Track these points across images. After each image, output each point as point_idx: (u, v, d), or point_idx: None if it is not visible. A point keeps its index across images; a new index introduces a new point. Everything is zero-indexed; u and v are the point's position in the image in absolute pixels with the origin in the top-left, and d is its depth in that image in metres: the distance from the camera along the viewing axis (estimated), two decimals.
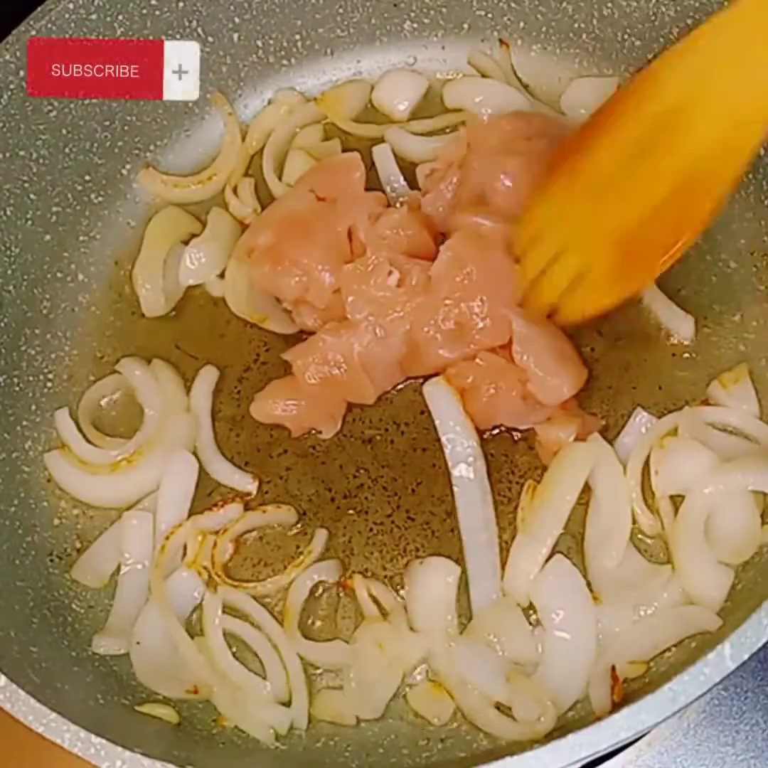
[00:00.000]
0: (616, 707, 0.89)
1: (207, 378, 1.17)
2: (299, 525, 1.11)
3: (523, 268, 1.06)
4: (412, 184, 1.23)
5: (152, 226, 1.25)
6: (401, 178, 1.23)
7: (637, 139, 0.96)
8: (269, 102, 1.31)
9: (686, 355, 1.13)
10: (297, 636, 1.04)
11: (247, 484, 1.12)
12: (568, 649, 1.00)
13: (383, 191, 1.21)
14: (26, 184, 1.19)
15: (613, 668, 0.97)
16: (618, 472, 1.04)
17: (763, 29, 0.88)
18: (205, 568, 1.08)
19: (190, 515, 1.11)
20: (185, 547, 1.09)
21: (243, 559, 1.10)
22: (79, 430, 1.16)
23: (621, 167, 0.97)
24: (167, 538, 1.08)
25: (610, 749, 0.83)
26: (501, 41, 1.28)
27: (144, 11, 1.20)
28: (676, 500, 1.04)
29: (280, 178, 1.26)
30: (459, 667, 0.99)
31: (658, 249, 0.98)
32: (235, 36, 1.27)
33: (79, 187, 1.24)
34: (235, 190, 1.27)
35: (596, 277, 1.01)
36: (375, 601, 1.05)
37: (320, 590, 1.07)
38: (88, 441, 1.15)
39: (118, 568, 1.10)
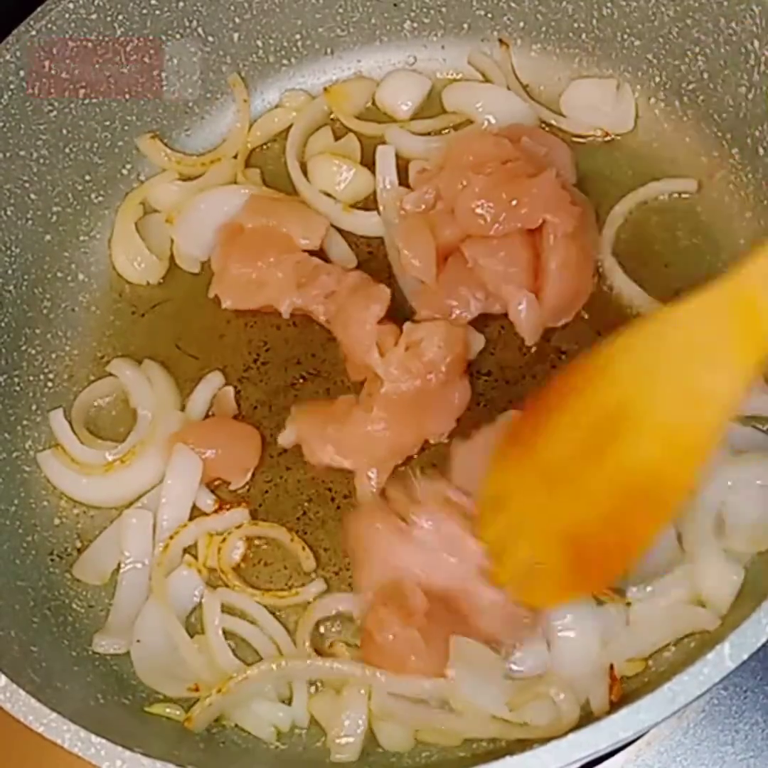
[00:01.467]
0: (614, 707, 0.90)
1: (212, 383, 1.17)
2: (301, 526, 1.11)
3: (484, 540, 1.00)
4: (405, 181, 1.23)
5: (122, 207, 1.27)
6: (396, 180, 1.23)
7: (586, 430, 0.88)
8: (277, 105, 1.32)
9: None
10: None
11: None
12: (574, 649, 0.99)
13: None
14: (26, 184, 1.19)
15: (612, 667, 0.97)
16: None
17: (705, 332, 0.82)
18: (211, 569, 1.08)
19: (192, 516, 1.11)
20: (186, 548, 1.10)
21: (255, 561, 1.10)
22: (74, 431, 1.16)
23: (570, 459, 0.89)
24: (171, 537, 1.09)
25: (609, 749, 0.83)
26: (501, 41, 1.28)
27: (144, 11, 1.20)
28: None
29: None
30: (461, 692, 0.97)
31: (609, 557, 0.91)
32: (235, 36, 1.27)
33: (80, 187, 1.24)
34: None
35: (549, 572, 0.94)
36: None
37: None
38: (82, 442, 1.15)
39: (119, 567, 1.10)
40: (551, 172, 1.13)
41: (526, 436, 0.96)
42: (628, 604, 1.00)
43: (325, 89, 1.30)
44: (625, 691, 0.96)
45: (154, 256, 1.24)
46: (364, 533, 1.05)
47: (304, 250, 1.19)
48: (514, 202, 1.12)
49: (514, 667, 1.00)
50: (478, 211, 1.13)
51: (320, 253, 1.20)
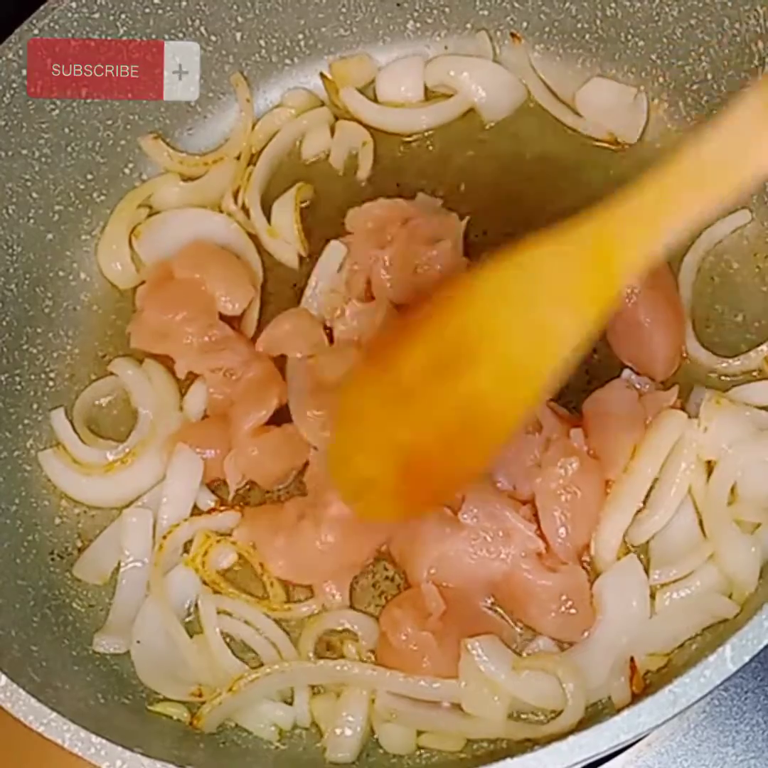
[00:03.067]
0: (635, 699, 0.90)
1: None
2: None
3: (331, 449, 1.03)
4: None
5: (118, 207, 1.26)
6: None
7: (434, 355, 0.89)
8: (279, 105, 1.31)
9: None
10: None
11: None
12: (607, 643, 1.00)
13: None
14: (28, 183, 1.19)
15: (632, 659, 0.97)
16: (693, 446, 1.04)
17: (556, 271, 0.81)
18: (199, 566, 1.08)
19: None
20: (184, 546, 1.09)
21: (244, 564, 1.10)
22: (75, 430, 1.16)
23: (418, 381, 0.90)
24: (164, 537, 1.08)
25: (611, 751, 0.83)
26: (513, 35, 1.28)
27: (146, 10, 1.20)
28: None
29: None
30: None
31: (436, 481, 0.93)
32: (238, 35, 1.27)
33: (82, 186, 1.24)
34: (235, 196, 1.26)
35: (382, 488, 0.95)
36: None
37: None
38: (83, 441, 1.15)
39: (119, 566, 1.10)
40: (446, 244, 1.16)
41: (381, 356, 0.97)
42: (652, 596, 1.01)
43: (322, 75, 1.31)
44: (646, 684, 0.97)
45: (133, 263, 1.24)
46: (414, 524, 1.04)
47: (224, 315, 1.17)
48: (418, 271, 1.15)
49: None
50: (389, 284, 1.15)
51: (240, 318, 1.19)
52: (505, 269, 0.84)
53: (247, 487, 1.13)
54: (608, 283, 0.79)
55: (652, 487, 1.04)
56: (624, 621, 1.00)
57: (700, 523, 1.03)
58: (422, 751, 1.00)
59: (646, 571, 1.02)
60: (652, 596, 1.01)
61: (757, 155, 0.73)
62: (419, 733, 1.00)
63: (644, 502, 1.04)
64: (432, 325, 0.90)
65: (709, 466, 1.04)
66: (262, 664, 1.03)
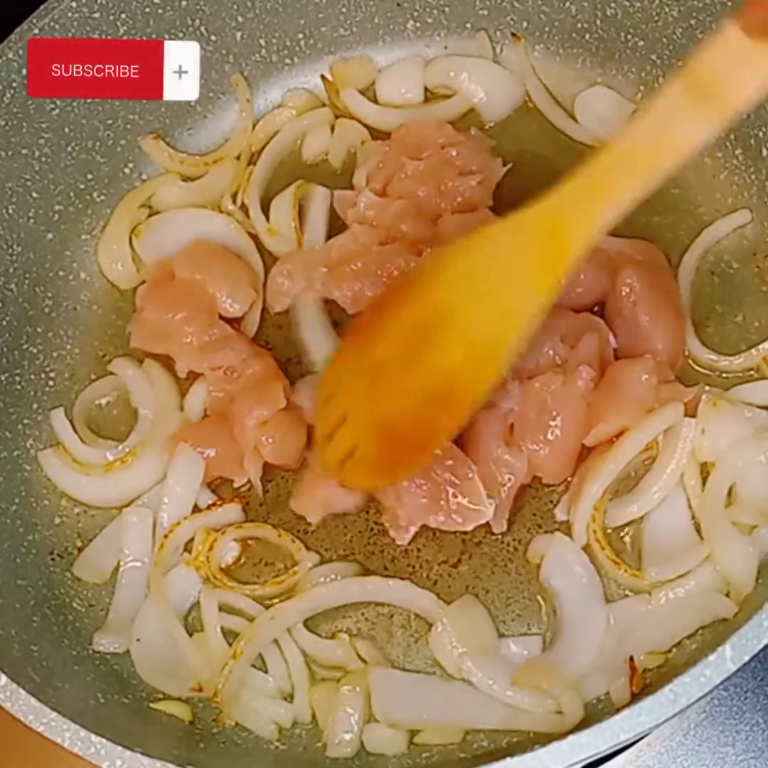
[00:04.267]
0: (635, 698, 0.91)
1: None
2: (303, 525, 1.10)
3: (317, 424, 1.08)
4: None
5: (118, 207, 1.26)
6: (323, 231, 1.23)
7: (407, 332, 0.98)
8: (279, 105, 1.31)
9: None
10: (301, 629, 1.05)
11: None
12: (578, 633, 1.01)
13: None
14: (28, 183, 1.19)
15: (631, 659, 0.97)
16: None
17: (512, 252, 0.91)
18: (204, 563, 1.08)
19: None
20: (185, 545, 1.09)
21: (247, 559, 1.10)
22: (75, 430, 1.16)
23: (393, 356, 0.99)
24: (165, 536, 1.08)
25: (610, 750, 0.83)
26: (514, 34, 1.28)
27: (147, 10, 1.20)
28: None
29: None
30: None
31: (411, 447, 1.01)
32: (238, 35, 1.27)
33: (82, 186, 1.24)
34: (234, 196, 1.26)
35: (362, 456, 1.02)
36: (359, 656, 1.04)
37: None
38: (83, 441, 1.15)
39: (119, 565, 1.10)
40: (475, 178, 1.18)
41: (361, 335, 1.05)
42: (649, 593, 1.01)
43: (323, 77, 1.31)
44: (645, 683, 0.97)
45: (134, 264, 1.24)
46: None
47: (224, 316, 1.17)
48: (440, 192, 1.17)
49: (514, 648, 1.02)
50: (407, 191, 1.18)
51: (241, 319, 1.20)
52: (465, 250, 0.95)
53: (248, 487, 1.13)
54: (555, 261, 0.88)
55: (643, 477, 1.05)
56: (580, 594, 1.02)
57: (697, 524, 1.03)
58: (422, 750, 1.00)
59: (639, 570, 1.02)
60: (648, 593, 1.01)
61: (678, 140, 0.81)
62: (418, 732, 1.01)
63: (631, 488, 1.05)
64: (404, 304, 0.99)
65: (707, 468, 1.04)
66: (261, 658, 1.04)
